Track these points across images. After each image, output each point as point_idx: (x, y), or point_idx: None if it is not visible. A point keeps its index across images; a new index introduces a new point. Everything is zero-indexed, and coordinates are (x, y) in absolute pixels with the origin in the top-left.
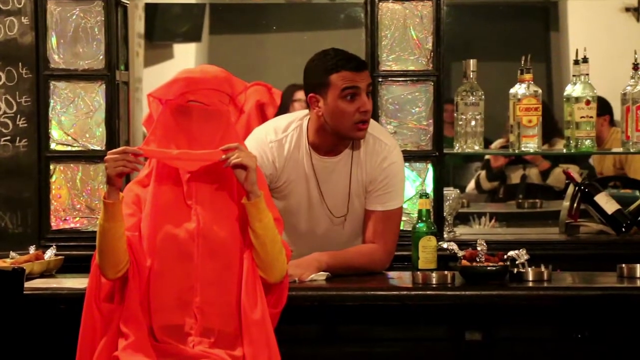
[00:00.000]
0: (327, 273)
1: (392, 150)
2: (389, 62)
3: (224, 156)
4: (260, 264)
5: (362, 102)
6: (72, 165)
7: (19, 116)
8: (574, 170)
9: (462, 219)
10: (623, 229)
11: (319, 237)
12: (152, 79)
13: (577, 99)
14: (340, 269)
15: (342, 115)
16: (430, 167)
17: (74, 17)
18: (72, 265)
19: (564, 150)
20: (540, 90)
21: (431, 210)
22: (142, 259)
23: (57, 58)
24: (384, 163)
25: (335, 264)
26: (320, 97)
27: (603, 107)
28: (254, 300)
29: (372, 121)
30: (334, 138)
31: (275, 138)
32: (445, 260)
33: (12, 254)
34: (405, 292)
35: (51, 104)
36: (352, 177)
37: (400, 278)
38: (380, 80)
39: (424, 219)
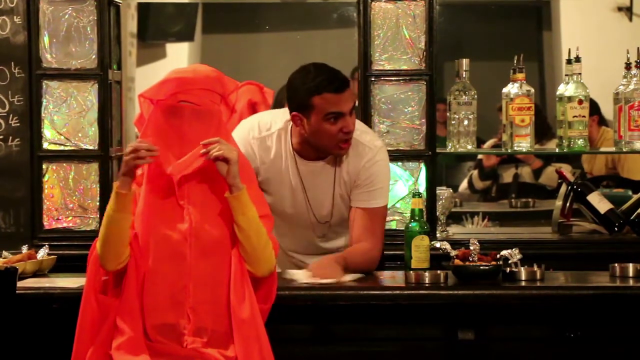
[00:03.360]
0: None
1: (376, 153)
2: (381, 62)
3: (203, 150)
4: (247, 258)
5: (345, 123)
6: (64, 164)
7: (11, 115)
8: (566, 170)
9: (455, 218)
10: (616, 229)
11: (303, 241)
12: (145, 78)
13: (570, 99)
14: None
15: (325, 136)
16: (423, 166)
17: (67, 16)
18: (65, 264)
19: (557, 150)
20: (532, 90)
21: (424, 209)
22: (139, 255)
23: (49, 57)
24: (367, 164)
25: (343, 265)
26: (304, 117)
27: (591, 107)
28: (242, 297)
29: (358, 124)
30: (318, 151)
31: (259, 135)
32: (438, 259)
33: (4, 253)
34: (398, 292)
35: (44, 104)
36: (336, 181)
37: (393, 277)
38: (372, 79)
39: (417, 218)
